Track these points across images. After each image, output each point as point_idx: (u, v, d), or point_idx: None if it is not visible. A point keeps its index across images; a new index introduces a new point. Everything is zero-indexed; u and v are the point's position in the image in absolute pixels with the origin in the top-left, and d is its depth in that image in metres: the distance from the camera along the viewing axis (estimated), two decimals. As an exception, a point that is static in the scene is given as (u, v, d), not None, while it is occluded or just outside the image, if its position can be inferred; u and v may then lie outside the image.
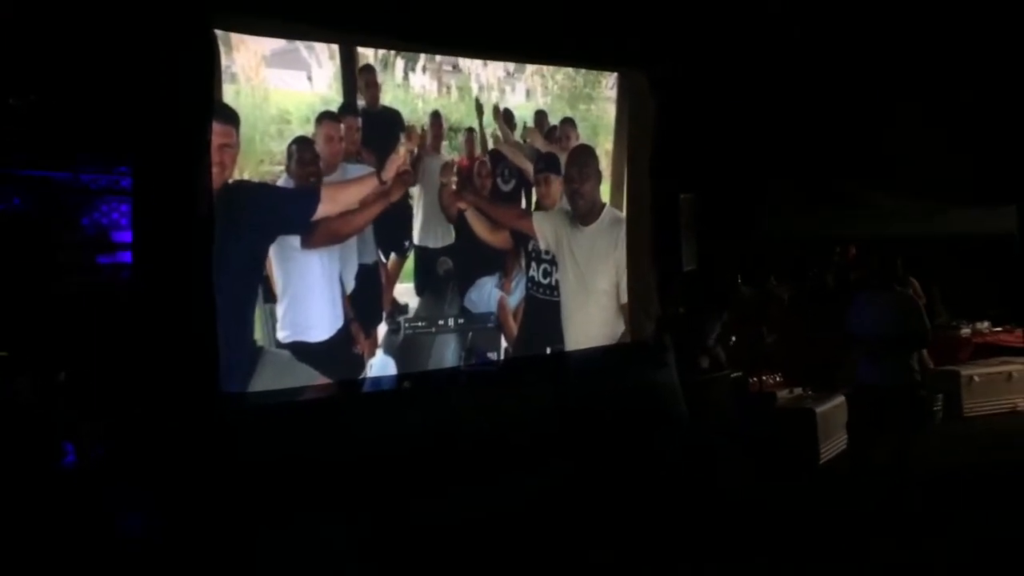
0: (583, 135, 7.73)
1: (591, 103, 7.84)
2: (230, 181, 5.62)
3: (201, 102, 5.45)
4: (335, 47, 6.26)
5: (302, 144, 5.98)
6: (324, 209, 6.04)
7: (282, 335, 5.90)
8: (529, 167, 7.33)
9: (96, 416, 6.46)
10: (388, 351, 6.50)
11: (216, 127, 5.52)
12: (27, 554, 4.83)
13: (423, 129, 6.70)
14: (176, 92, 5.41)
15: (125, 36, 5.64)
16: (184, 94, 5.41)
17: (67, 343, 6.86)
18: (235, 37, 5.71)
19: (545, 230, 7.43)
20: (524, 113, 7.34)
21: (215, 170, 5.51)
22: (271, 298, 5.84)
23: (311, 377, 6.03)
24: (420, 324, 6.69)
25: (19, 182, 7.33)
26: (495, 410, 6.65)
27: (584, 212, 7.72)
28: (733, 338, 9.56)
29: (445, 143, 6.84)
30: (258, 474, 5.27)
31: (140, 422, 5.57)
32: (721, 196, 9.41)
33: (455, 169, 6.88)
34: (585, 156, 7.74)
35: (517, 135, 7.30)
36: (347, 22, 6.20)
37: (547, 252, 7.46)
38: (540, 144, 7.41)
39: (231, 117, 5.62)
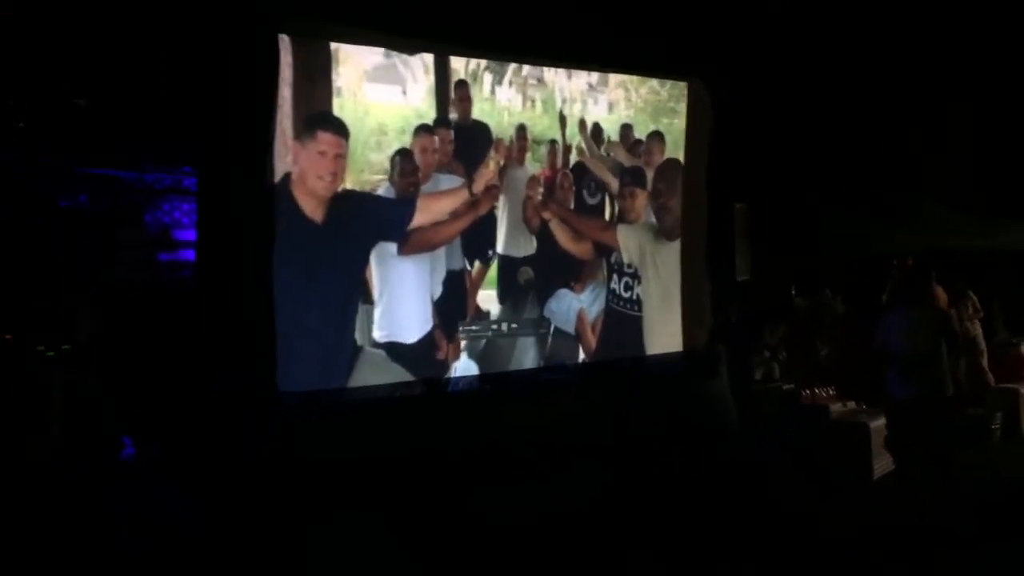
0: (668, 150, 7.78)
1: (674, 117, 7.91)
2: (339, 190, 5.88)
3: (265, 104, 5.54)
4: (429, 62, 6.46)
5: (404, 156, 6.25)
6: (419, 219, 6.28)
7: (379, 335, 6.17)
8: (613, 180, 7.42)
9: (155, 411, 6.59)
10: (471, 355, 6.72)
11: (331, 139, 5.79)
12: (83, 545, 4.93)
13: (510, 141, 6.86)
14: (241, 94, 5.51)
15: (192, 37, 5.76)
16: (248, 96, 5.50)
17: (129, 338, 7.01)
18: (342, 53, 5.97)
19: (629, 244, 7.47)
20: (608, 126, 7.43)
21: (329, 179, 5.79)
22: (369, 300, 6.11)
23: (401, 376, 6.30)
24: (480, 329, 6.79)
25: (86, 180, 7.51)
26: (544, 416, 6.67)
27: (670, 227, 7.78)
28: (784, 352, 9.49)
29: (528, 155, 6.98)
30: (317, 472, 5.34)
31: (198, 419, 5.66)
32: (776, 206, 9.33)
33: (540, 181, 7.01)
34: (672, 171, 7.81)
35: (603, 149, 7.37)
36: (439, 33, 6.38)
37: (630, 266, 7.51)
38: (624, 158, 7.49)
39: (343, 129, 5.89)
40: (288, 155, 5.66)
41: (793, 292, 10.32)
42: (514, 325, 6.94)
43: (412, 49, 6.33)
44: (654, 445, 6.78)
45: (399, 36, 6.23)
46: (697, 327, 8.02)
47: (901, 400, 6.73)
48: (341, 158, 5.84)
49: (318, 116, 5.80)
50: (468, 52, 6.66)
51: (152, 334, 6.73)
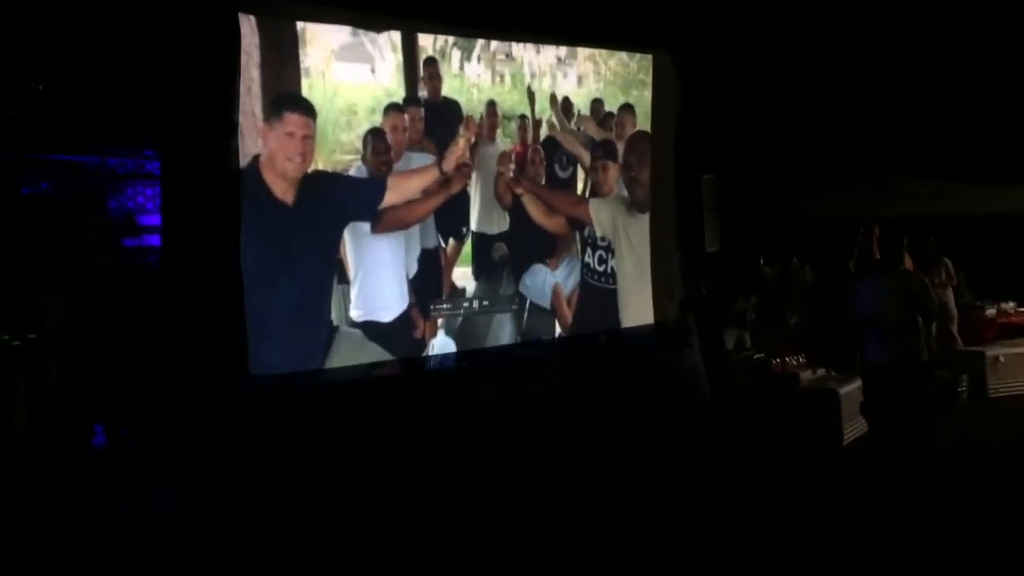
0: (639, 122, 7.81)
1: (644, 89, 7.92)
2: (309, 171, 5.84)
3: (227, 86, 5.48)
4: (397, 40, 6.42)
5: (376, 135, 6.22)
6: (390, 198, 6.26)
7: (355, 314, 6.16)
8: (584, 154, 7.43)
9: (124, 398, 6.54)
10: (448, 333, 6.73)
11: (298, 119, 5.73)
12: (55, 533, 4.91)
13: (480, 118, 6.84)
14: (203, 75, 5.44)
15: (151, 20, 5.67)
16: (211, 77, 5.44)
17: (95, 325, 6.94)
18: (309, 33, 5.90)
19: (602, 217, 7.50)
20: (578, 100, 7.43)
21: (298, 160, 5.74)
22: (345, 280, 6.10)
23: (379, 355, 6.29)
24: (451, 308, 6.79)
25: (47, 166, 7.40)
26: (517, 391, 6.70)
27: (642, 199, 7.82)
28: (754, 321, 9.56)
29: (499, 131, 6.97)
30: (294, 454, 5.33)
31: (167, 404, 5.63)
32: (744, 177, 9.37)
33: (511, 157, 7.00)
34: (643, 143, 7.84)
35: (573, 123, 7.37)
36: (405, 9, 6.38)
37: (603, 239, 7.55)
38: (594, 132, 7.50)
39: (310, 109, 5.83)
40: (258, 137, 5.60)
41: (762, 262, 10.38)
42: (486, 302, 6.95)
43: (379, 26, 6.28)
44: (628, 417, 6.82)
45: (365, 13, 6.19)
46: (667, 299, 8.06)
47: (877, 366, 6.80)
48: (309, 139, 5.79)
49: (285, 97, 5.73)
50: (435, 28, 6.62)
51: (119, 321, 6.67)
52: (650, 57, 7.89)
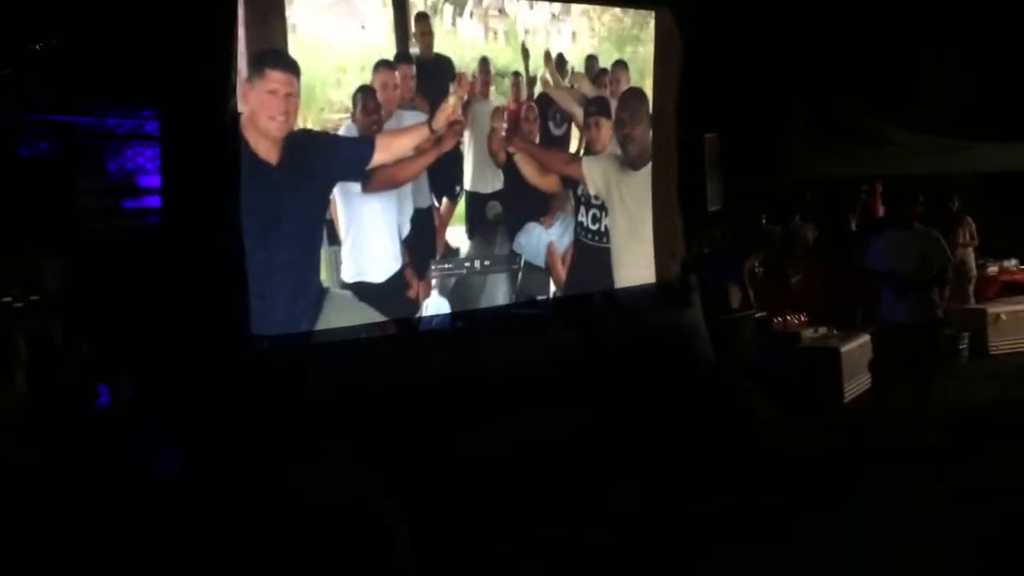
0: (632, 78, 7.68)
1: (639, 45, 7.78)
2: (295, 129, 5.73)
3: (225, 44, 5.41)
4: None
5: (366, 92, 6.08)
6: (379, 157, 6.14)
7: (347, 275, 6.08)
8: (578, 111, 7.32)
9: (127, 358, 6.55)
10: (442, 293, 6.66)
11: (280, 76, 5.59)
12: (61, 494, 4.93)
13: (473, 76, 6.72)
14: (201, 35, 5.38)
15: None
16: (208, 37, 5.38)
17: (96, 286, 6.94)
18: None
19: (595, 175, 7.43)
20: (574, 57, 7.31)
21: (281, 119, 5.60)
22: (335, 241, 6.01)
23: (371, 316, 6.22)
24: (453, 267, 6.76)
25: (44, 127, 7.36)
26: (522, 352, 6.69)
27: (635, 156, 7.70)
28: (756, 280, 9.55)
29: (493, 88, 6.86)
30: (292, 414, 5.34)
31: (171, 363, 5.64)
32: (746, 136, 9.32)
33: (504, 115, 6.89)
34: (636, 100, 7.70)
35: (567, 80, 7.27)
36: None
37: (596, 197, 7.47)
38: (588, 89, 7.38)
39: (293, 67, 5.68)
40: (240, 96, 5.46)
41: (764, 220, 10.36)
42: (487, 262, 6.90)
43: None
44: (630, 376, 6.83)
45: None
46: (669, 258, 8.04)
47: (892, 323, 6.79)
48: (292, 96, 5.65)
49: (267, 54, 5.58)
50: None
51: (121, 282, 6.67)
52: (644, 12, 7.77)
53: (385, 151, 6.18)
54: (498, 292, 6.99)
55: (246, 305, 5.49)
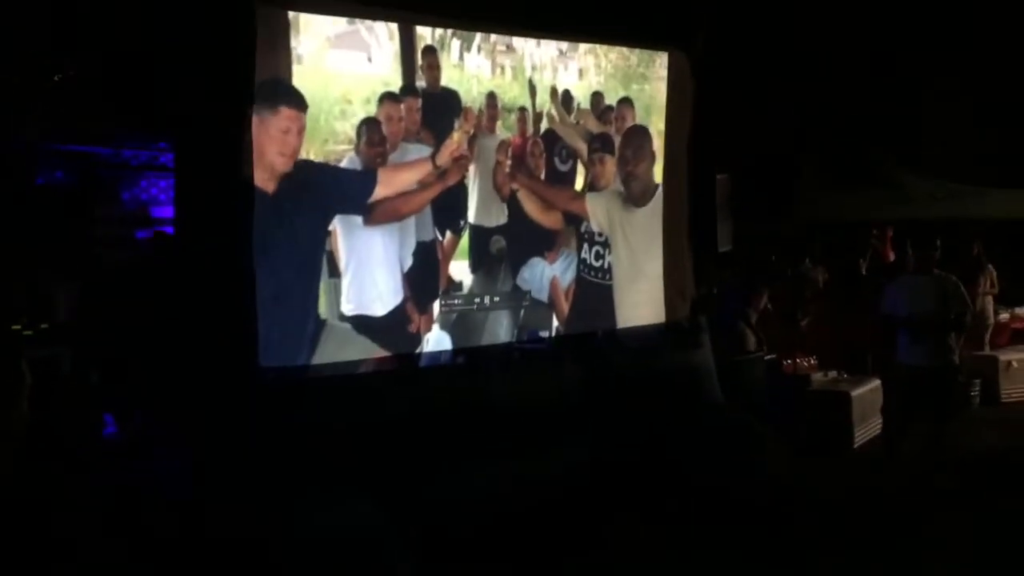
0: (638, 116, 7.70)
1: (645, 83, 7.78)
2: (297, 161, 5.73)
3: (243, 78, 5.46)
4: (394, 28, 6.29)
5: (371, 125, 6.08)
6: (380, 191, 6.12)
7: (347, 308, 6.02)
8: (583, 147, 7.31)
9: (135, 388, 6.55)
10: (444, 327, 6.60)
11: (292, 113, 5.62)
12: (68, 522, 4.92)
13: (480, 110, 6.73)
14: (217, 68, 5.42)
15: (166, 11, 5.67)
16: (226, 71, 5.42)
17: (106, 315, 6.96)
18: (303, 20, 5.78)
19: (598, 212, 7.40)
20: (580, 94, 7.31)
21: (288, 155, 5.63)
22: (336, 273, 5.95)
23: (370, 350, 6.16)
24: (463, 303, 6.72)
25: (61, 157, 7.45)
26: (527, 388, 6.66)
27: (638, 193, 7.67)
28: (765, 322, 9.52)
29: (499, 123, 6.85)
30: (296, 445, 5.32)
31: (179, 393, 5.63)
32: (757, 177, 9.35)
33: (509, 149, 6.89)
34: (639, 137, 7.68)
35: (573, 117, 7.28)
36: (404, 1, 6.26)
37: (600, 234, 7.43)
38: (593, 125, 7.38)
39: (302, 103, 5.71)
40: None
41: (774, 262, 10.35)
42: (496, 299, 6.87)
43: (376, 17, 6.18)
44: (639, 416, 6.80)
45: (362, 4, 6.10)
46: (679, 298, 8.02)
47: (908, 367, 6.76)
48: (302, 132, 5.69)
49: (278, 88, 5.61)
50: (437, 21, 6.50)
51: (131, 311, 6.68)
52: (652, 52, 7.83)
53: (387, 185, 6.16)
54: (500, 326, 6.93)
55: (254, 336, 5.50)
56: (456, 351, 6.66)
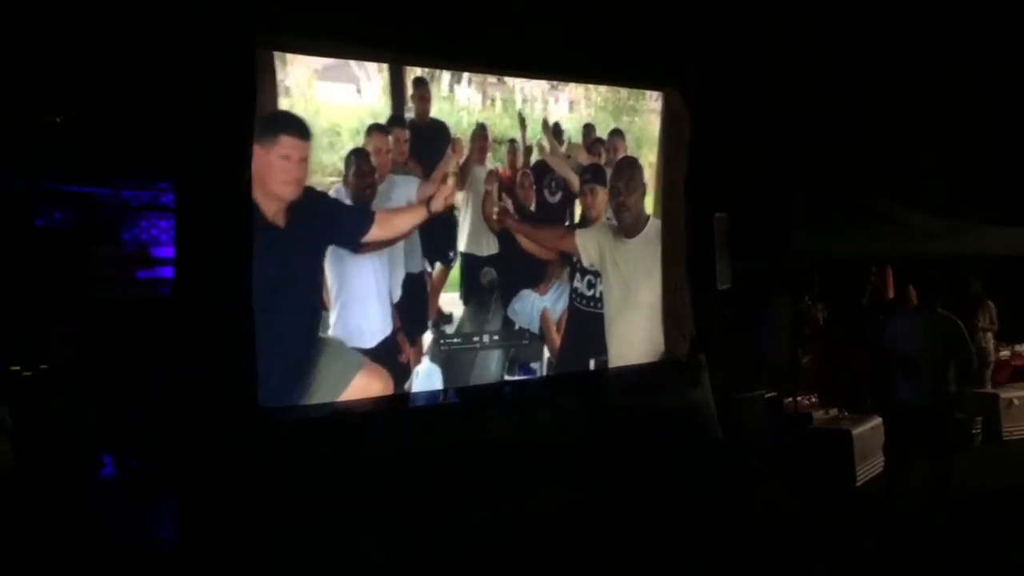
0: (629, 147, 7.73)
1: (635, 115, 7.83)
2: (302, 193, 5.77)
3: (243, 119, 5.50)
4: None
5: (360, 156, 6.10)
6: (376, 233, 6.16)
7: (335, 340, 6.00)
8: (574, 179, 7.34)
9: (132, 428, 6.52)
10: (434, 360, 6.57)
11: (295, 142, 5.70)
12: (65, 563, 4.87)
13: (470, 141, 6.76)
14: (218, 109, 5.46)
15: (166, 54, 5.72)
16: (226, 111, 5.46)
17: (104, 356, 6.94)
18: (289, 53, 5.83)
19: (588, 246, 7.41)
20: (570, 126, 7.35)
21: (293, 184, 5.70)
22: (323, 304, 5.95)
23: (367, 382, 6.14)
24: (461, 340, 6.71)
25: (61, 197, 7.46)
26: (527, 426, 6.64)
27: (629, 225, 7.69)
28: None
29: (490, 155, 6.88)
30: (290, 485, 5.30)
31: (177, 435, 5.62)
32: (757, 215, 9.36)
33: (498, 177, 6.91)
34: (631, 168, 7.72)
35: (564, 149, 7.30)
36: (392, 41, 6.29)
37: (591, 265, 7.44)
38: (583, 158, 7.41)
39: (306, 132, 5.78)
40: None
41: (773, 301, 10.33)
42: (495, 337, 6.88)
43: (365, 58, 6.25)
44: (637, 453, 6.76)
45: (351, 45, 6.15)
46: (678, 335, 8.02)
47: (908, 405, 6.74)
48: (305, 161, 5.74)
49: (280, 118, 5.68)
50: (426, 61, 6.56)
51: (129, 352, 6.67)
52: (639, 90, 7.90)
53: (383, 228, 6.20)
54: (491, 358, 6.90)
55: (254, 377, 5.49)
56: (449, 389, 6.63)
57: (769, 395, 8.76)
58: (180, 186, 5.94)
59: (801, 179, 9.94)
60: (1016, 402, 9.53)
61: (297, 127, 5.74)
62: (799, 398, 8.73)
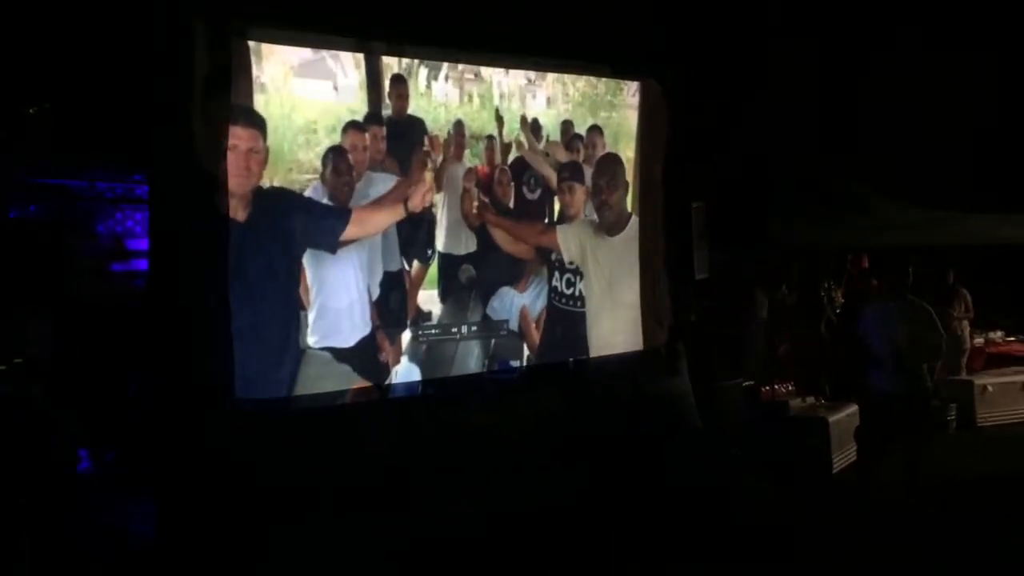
0: (608, 143, 7.71)
1: (612, 111, 7.81)
2: (265, 187, 5.72)
3: (218, 111, 5.47)
4: (360, 57, 6.31)
5: (338, 153, 6.07)
6: (352, 231, 6.13)
7: (312, 340, 5.97)
8: (553, 175, 7.33)
9: (108, 422, 6.48)
10: (412, 358, 6.55)
11: (243, 132, 5.60)
12: (40, 557, 4.85)
13: (448, 135, 6.73)
14: (192, 101, 5.43)
15: (141, 45, 5.67)
16: (200, 103, 5.43)
17: (81, 350, 6.89)
18: (265, 48, 5.79)
19: (569, 243, 7.40)
20: (548, 122, 7.33)
21: (243, 176, 5.60)
22: (301, 304, 5.92)
23: (349, 379, 6.14)
24: (440, 332, 6.71)
25: (35, 190, 7.39)
26: (506, 419, 6.64)
27: (611, 222, 7.69)
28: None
29: (467, 151, 6.85)
30: (269, 481, 5.28)
31: (152, 427, 5.59)
32: (734, 205, 9.39)
33: (476, 174, 6.89)
34: (613, 166, 7.72)
35: (543, 145, 7.28)
36: (365, 31, 6.27)
37: (571, 263, 7.43)
38: (562, 155, 7.39)
39: (258, 122, 5.69)
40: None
41: (753, 290, 10.37)
42: (474, 328, 6.87)
43: (342, 48, 6.21)
44: (617, 444, 6.78)
45: (326, 36, 6.13)
46: (657, 326, 8.04)
47: (880, 393, 6.76)
48: (255, 153, 5.65)
49: (232, 109, 5.61)
50: (403, 51, 6.55)
51: (106, 345, 6.62)
52: (618, 81, 7.87)
53: (359, 226, 6.17)
54: (471, 355, 6.90)
55: (231, 369, 5.47)
56: (428, 382, 6.63)
57: (747, 384, 8.80)
58: (154, 178, 5.90)
59: (780, 170, 9.96)
60: (990, 389, 9.62)
61: (247, 116, 5.66)
62: (776, 386, 8.78)
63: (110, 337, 6.72)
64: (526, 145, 7.16)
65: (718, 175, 9.08)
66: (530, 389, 7.04)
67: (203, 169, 5.39)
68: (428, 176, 6.56)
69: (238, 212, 5.59)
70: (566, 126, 7.45)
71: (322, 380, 6.00)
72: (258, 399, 5.61)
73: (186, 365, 5.32)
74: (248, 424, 5.50)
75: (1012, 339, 10.92)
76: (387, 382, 6.39)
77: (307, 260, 5.94)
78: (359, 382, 6.20)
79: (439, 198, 6.69)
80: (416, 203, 6.45)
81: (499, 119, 7.02)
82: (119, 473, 5.95)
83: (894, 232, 10.07)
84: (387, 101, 6.40)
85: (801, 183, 10.10)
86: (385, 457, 5.81)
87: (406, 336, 6.51)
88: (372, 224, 6.27)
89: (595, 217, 7.58)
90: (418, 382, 6.58)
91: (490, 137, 6.99)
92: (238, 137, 5.58)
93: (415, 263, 6.57)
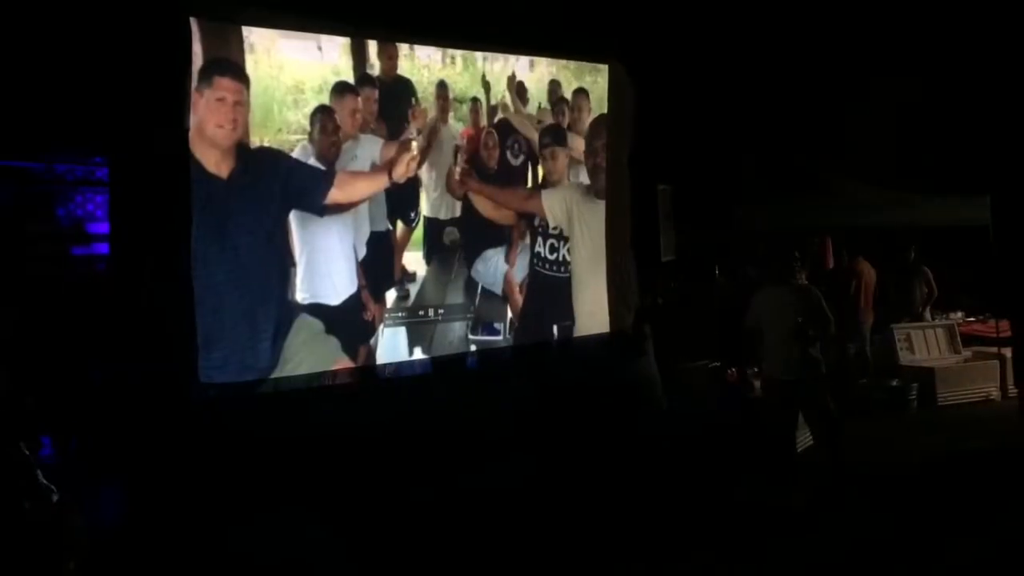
0: (593, 108, 7.75)
1: (597, 75, 7.91)
2: (252, 147, 5.70)
3: (178, 91, 5.40)
4: None
5: (326, 113, 6.09)
6: (335, 195, 6.15)
7: (301, 297, 6.00)
8: (537, 139, 7.36)
9: (71, 409, 6.39)
10: (397, 322, 6.63)
11: (230, 84, 5.59)
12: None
13: (432, 99, 6.76)
14: (152, 82, 5.35)
15: (100, 24, 5.58)
16: (160, 84, 5.35)
17: (42, 335, 6.78)
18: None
19: (555, 207, 7.46)
20: (533, 84, 7.37)
21: (228, 128, 5.58)
22: (292, 262, 5.94)
23: (334, 356, 6.18)
24: (426, 311, 6.79)
25: (-8, 173, 7.25)
26: (473, 400, 6.66)
27: (602, 186, 7.76)
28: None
29: (452, 114, 6.88)
30: (237, 462, 5.25)
31: (116, 413, 5.53)
32: (699, 187, 9.43)
33: (464, 142, 6.94)
34: (603, 127, 7.79)
35: (530, 108, 7.30)
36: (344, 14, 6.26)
37: (555, 228, 7.48)
38: (546, 118, 7.44)
39: (243, 76, 5.68)
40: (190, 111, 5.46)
41: (716, 271, 10.45)
42: (442, 311, 6.89)
43: (330, 31, 6.21)
44: (583, 424, 6.81)
45: (315, 19, 6.12)
46: (624, 308, 8.07)
47: (776, 379, 6.66)
48: (241, 105, 5.63)
49: (216, 62, 5.57)
50: (382, 35, 6.54)
51: (67, 330, 6.53)
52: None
53: (342, 190, 6.18)
54: (455, 321, 6.99)
55: (194, 354, 5.41)
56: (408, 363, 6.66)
57: (713, 365, 8.86)
58: (114, 160, 5.82)
59: (742, 150, 10.01)
60: (951, 369, 9.79)
61: (232, 69, 5.64)
62: (742, 368, 8.83)
63: (71, 323, 6.63)
64: (511, 108, 7.17)
65: (684, 158, 9.11)
66: (491, 371, 7.04)
67: (163, 150, 5.32)
68: (414, 144, 6.57)
69: (221, 167, 5.56)
70: (553, 86, 7.50)
71: (308, 349, 6.00)
72: (221, 383, 5.55)
73: (147, 351, 5.26)
74: (212, 410, 5.45)
75: (972, 320, 11.06)
76: (373, 340, 6.44)
77: (294, 219, 5.94)
78: (343, 360, 6.22)
79: (425, 164, 6.72)
80: (400, 173, 6.49)
81: (483, 79, 7.06)
82: (82, 460, 5.88)
83: (855, 213, 10.17)
84: (372, 62, 6.41)
85: (764, 164, 10.16)
86: (360, 440, 5.80)
87: (391, 296, 6.56)
88: (356, 191, 6.30)
89: (584, 180, 7.55)
90: (395, 363, 6.60)
91: (475, 99, 7.03)
92: (225, 89, 5.56)
93: (400, 224, 6.62)
